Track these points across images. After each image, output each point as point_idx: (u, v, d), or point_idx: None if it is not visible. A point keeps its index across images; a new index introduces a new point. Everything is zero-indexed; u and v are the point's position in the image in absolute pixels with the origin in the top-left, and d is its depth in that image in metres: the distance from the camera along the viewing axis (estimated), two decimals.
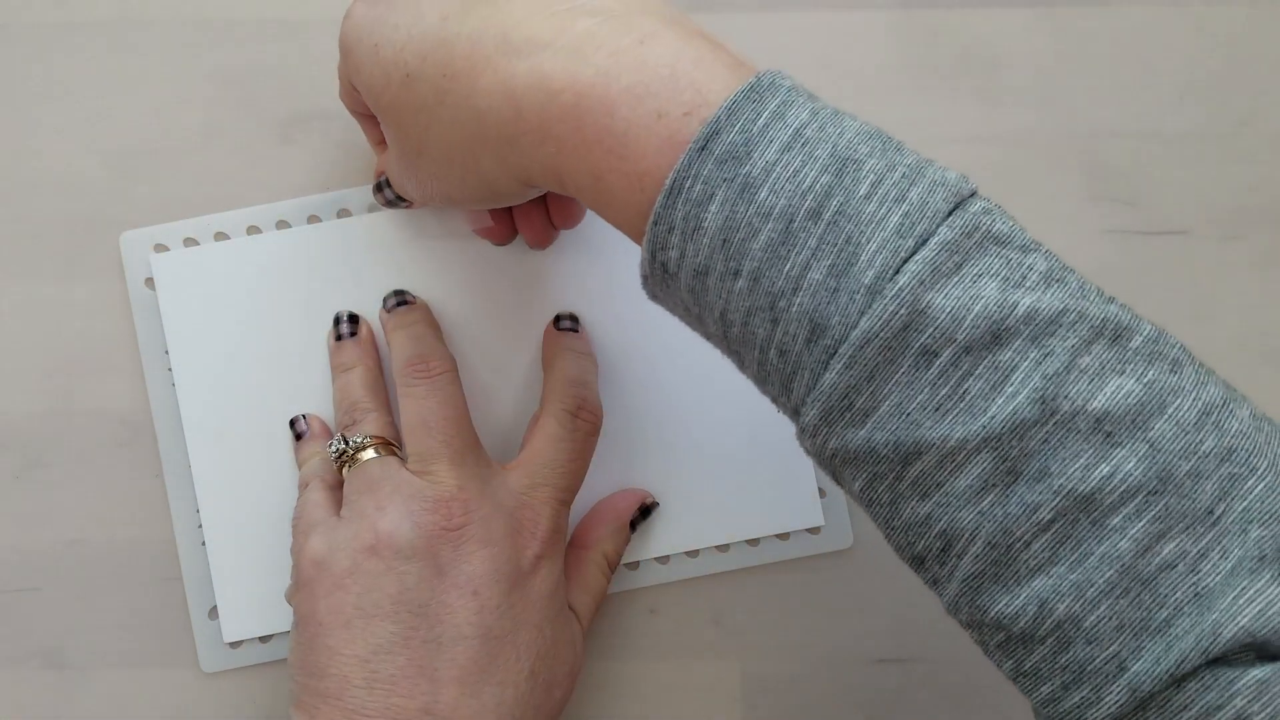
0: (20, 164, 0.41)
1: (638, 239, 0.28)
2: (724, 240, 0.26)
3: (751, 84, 0.27)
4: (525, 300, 0.41)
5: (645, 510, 0.40)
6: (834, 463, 0.27)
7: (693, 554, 0.41)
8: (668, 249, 0.27)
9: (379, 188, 0.38)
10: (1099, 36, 0.42)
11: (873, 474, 0.26)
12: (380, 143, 0.38)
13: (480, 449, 0.36)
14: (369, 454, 0.36)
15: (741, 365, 0.29)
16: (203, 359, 0.40)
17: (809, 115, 0.26)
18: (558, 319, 0.40)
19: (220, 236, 0.41)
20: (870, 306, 0.25)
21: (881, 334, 0.25)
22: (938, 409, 0.25)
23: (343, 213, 0.41)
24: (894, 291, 0.25)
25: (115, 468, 0.41)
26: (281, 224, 0.41)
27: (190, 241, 0.41)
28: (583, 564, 0.39)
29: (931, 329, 0.25)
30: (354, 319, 0.40)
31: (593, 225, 0.40)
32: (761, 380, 0.28)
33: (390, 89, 0.31)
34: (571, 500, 0.37)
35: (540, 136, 0.28)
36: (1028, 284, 0.25)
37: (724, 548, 0.41)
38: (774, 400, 0.29)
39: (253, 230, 0.41)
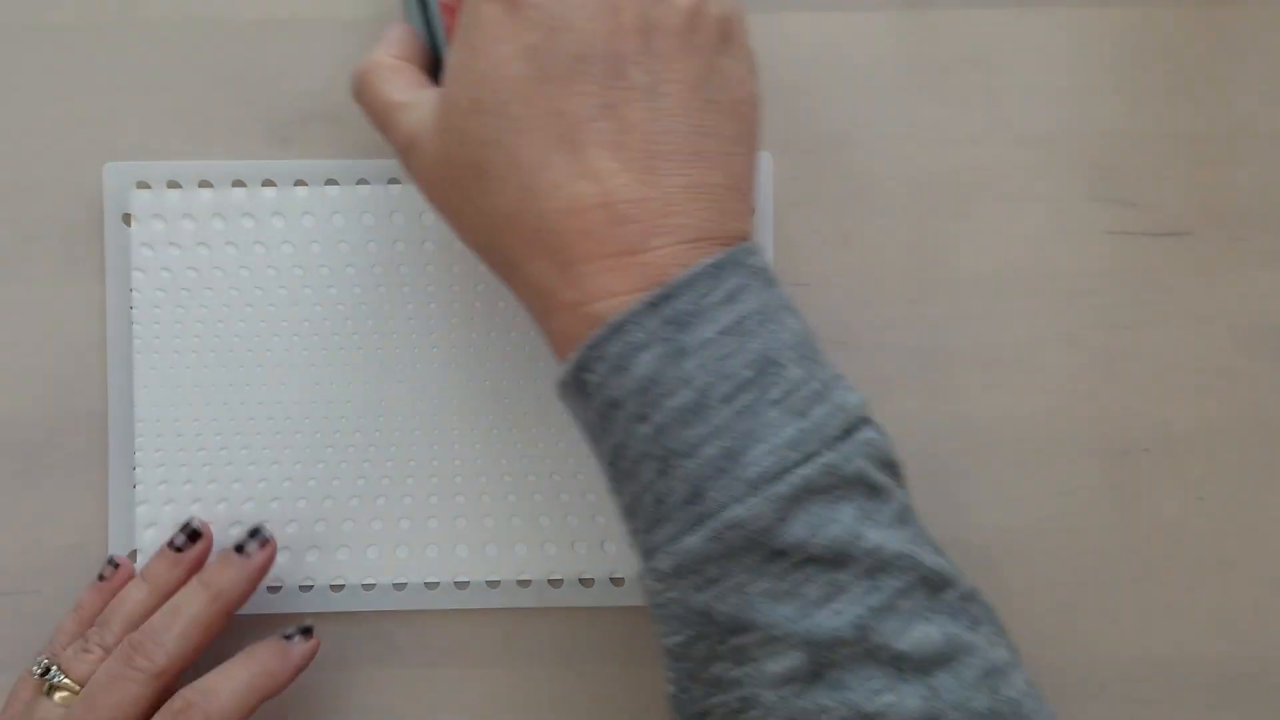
0: (18, 165, 0.41)
1: (560, 342, 0.31)
2: (643, 388, 0.29)
3: (719, 260, 0.29)
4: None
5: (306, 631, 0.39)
6: (667, 608, 0.30)
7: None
8: (592, 372, 0.30)
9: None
10: (1099, 36, 0.42)
11: (700, 633, 0.29)
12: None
13: None
14: (59, 695, 0.36)
15: (616, 491, 0.31)
16: (168, 300, 0.40)
17: (756, 306, 0.30)
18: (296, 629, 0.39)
19: (204, 185, 0.41)
20: (745, 499, 0.28)
21: (748, 526, 0.28)
22: (775, 599, 0.28)
23: (330, 182, 0.41)
24: (769, 494, 0.28)
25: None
26: (267, 183, 0.41)
27: (173, 185, 0.41)
28: None
29: (790, 537, 0.28)
30: (195, 535, 0.39)
31: None
32: (629, 513, 0.31)
33: (463, 118, 0.31)
34: None
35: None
36: (879, 519, 0.29)
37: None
38: (631, 531, 0.31)
39: (237, 184, 0.41)
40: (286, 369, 0.40)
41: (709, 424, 0.28)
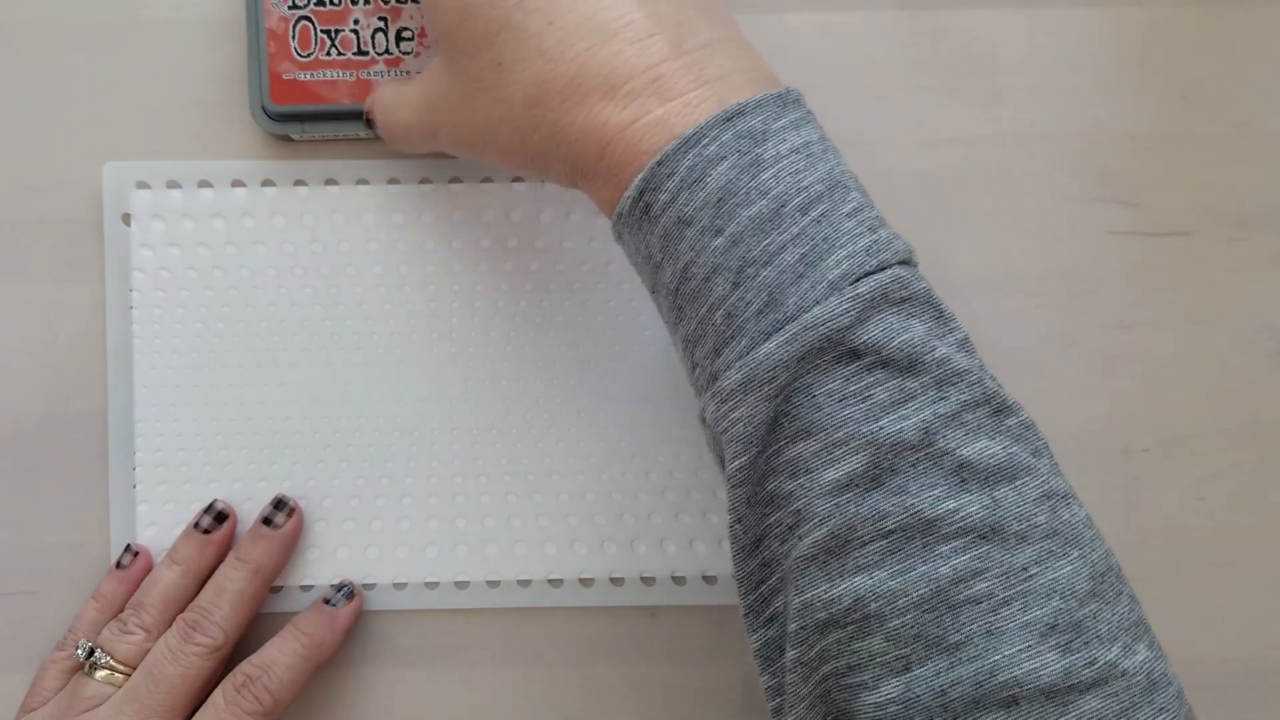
0: (17, 165, 0.41)
1: (618, 174, 0.30)
2: (720, 200, 0.29)
3: (782, 93, 0.30)
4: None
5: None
6: (730, 431, 0.30)
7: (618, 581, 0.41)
8: (660, 191, 0.30)
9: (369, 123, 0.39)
10: (1099, 36, 0.42)
11: (759, 451, 0.29)
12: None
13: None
14: (101, 674, 0.37)
15: (677, 320, 0.31)
16: (168, 300, 0.41)
17: (818, 137, 0.30)
18: (334, 589, 0.40)
19: (204, 185, 0.41)
20: (827, 298, 0.28)
21: (827, 325, 0.28)
22: (841, 400, 0.28)
23: (330, 182, 0.41)
24: (852, 294, 0.28)
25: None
26: (267, 183, 0.41)
27: (173, 185, 0.41)
28: None
29: (865, 337, 0.28)
30: (221, 517, 0.40)
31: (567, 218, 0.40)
32: (694, 339, 0.31)
33: (473, 24, 0.32)
34: None
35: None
36: (947, 341, 0.29)
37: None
38: (693, 366, 0.31)
39: (237, 184, 0.41)
40: (286, 369, 0.40)
41: (787, 232, 0.29)
